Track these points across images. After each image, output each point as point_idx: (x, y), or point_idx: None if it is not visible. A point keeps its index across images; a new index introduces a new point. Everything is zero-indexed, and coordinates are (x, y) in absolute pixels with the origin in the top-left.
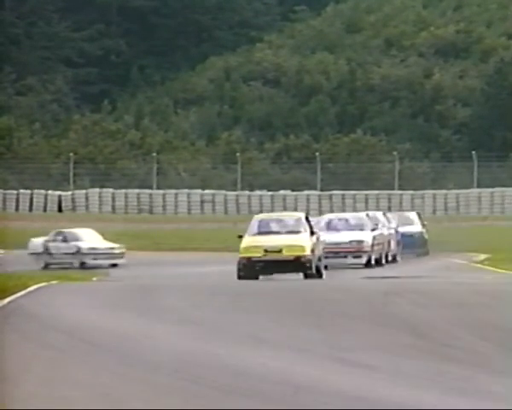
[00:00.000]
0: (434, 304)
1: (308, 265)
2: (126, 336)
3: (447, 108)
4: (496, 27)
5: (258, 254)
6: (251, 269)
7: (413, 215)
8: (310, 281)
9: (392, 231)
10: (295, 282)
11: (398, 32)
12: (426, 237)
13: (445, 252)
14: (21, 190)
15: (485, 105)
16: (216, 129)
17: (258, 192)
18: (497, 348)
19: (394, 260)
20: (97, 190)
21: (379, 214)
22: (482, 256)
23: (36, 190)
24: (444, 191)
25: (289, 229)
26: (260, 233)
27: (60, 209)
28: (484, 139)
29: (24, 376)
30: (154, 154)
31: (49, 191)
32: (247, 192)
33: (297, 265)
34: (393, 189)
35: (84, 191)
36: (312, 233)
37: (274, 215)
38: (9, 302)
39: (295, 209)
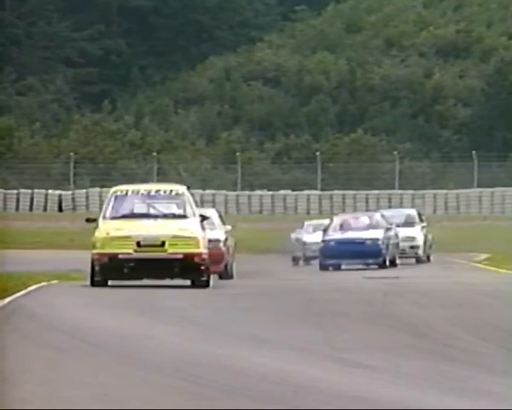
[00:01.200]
0: (434, 304)
1: (203, 268)
2: (126, 336)
3: (447, 108)
4: (496, 27)
5: (127, 250)
6: (115, 271)
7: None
8: (309, 281)
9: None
10: (295, 282)
11: (398, 31)
12: (382, 244)
13: (445, 252)
14: (22, 190)
15: (486, 105)
16: (216, 129)
17: (258, 192)
18: (498, 348)
19: None
20: (98, 189)
21: (212, 212)
22: (482, 256)
23: (36, 190)
24: (444, 191)
25: (170, 211)
26: (126, 216)
27: (60, 209)
28: (484, 139)
29: (24, 376)
30: (155, 153)
31: (50, 191)
32: (247, 192)
33: (187, 267)
34: (394, 188)
35: (84, 191)
36: (203, 219)
37: (142, 188)
38: (9, 302)
39: (295, 209)
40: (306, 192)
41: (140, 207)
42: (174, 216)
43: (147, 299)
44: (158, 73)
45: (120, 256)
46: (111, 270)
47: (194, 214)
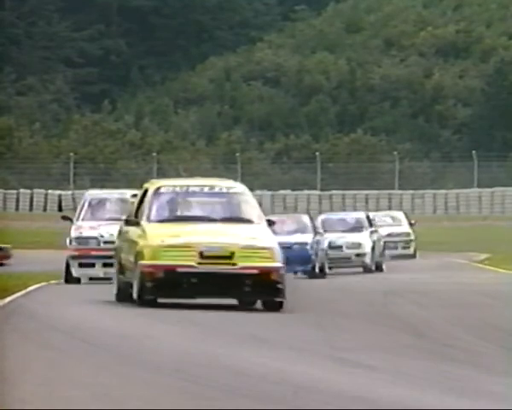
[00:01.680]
0: (434, 304)
1: (280, 286)
2: (126, 336)
3: (447, 108)
4: (496, 27)
5: (188, 262)
6: (172, 288)
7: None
8: (310, 280)
9: None
10: (295, 281)
11: (398, 31)
12: (311, 249)
13: (445, 252)
14: (21, 190)
15: (486, 105)
16: (216, 129)
17: (258, 192)
18: (498, 348)
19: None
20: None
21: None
22: (482, 256)
23: (36, 190)
24: (444, 191)
25: (232, 214)
26: (179, 219)
27: (60, 209)
28: (484, 139)
29: (24, 376)
30: (154, 154)
31: (50, 191)
32: None
33: (262, 285)
34: (394, 189)
35: (84, 191)
36: (270, 224)
37: (191, 183)
38: (9, 302)
39: (295, 209)
40: (306, 192)
41: (192, 208)
42: (238, 220)
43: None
44: (158, 73)
45: (179, 270)
46: (167, 286)
47: (260, 218)
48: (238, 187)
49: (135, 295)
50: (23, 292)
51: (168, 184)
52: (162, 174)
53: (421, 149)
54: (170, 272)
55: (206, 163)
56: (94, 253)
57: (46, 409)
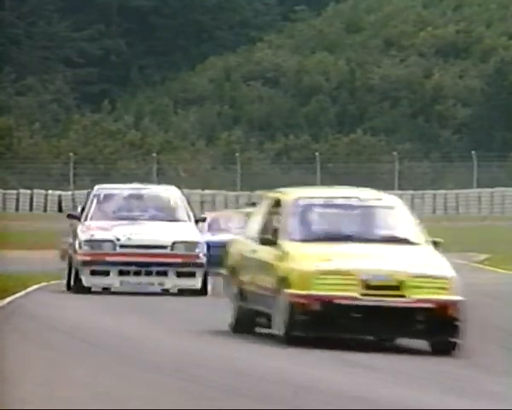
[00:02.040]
0: None
1: (457, 324)
2: (126, 337)
3: (447, 108)
4: (496, 27)
5: (350, 293)
6: (331, 323)
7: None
8: None
9: None
10: None
11: (397, 31)
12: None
13: (444, 252)
14: (21, 190)
15: (486, 105)
16: (216, 129)
17: (258, 192)
18: (498, 348)
19: None
20: None
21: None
22: (482, 256)
23: (36, 190)
24: (443, 191)
25: (389, 232)
26: (325, 238)
27: (60, 209)
28: (484, 139)
29: (24, 376)
30: (154, 154)
31: (49, 191)
32: (246, 192)
33: (437, 322)
34: (393, 189)
35: (84, 191)
36: (436, 244)
37: (335, 195)
38: (9, 302)
39: None
40: None
41: (340, 224)
42: (397, 240)
43: (147, 300)
44: (158, 73)
45: (339, 302)
46: (323, 322)
47: (421, 238)
48: (392, 199)
49: (279, 331)
50: (23, 292)
51: (307, 195)
52: (162, 174)
53: (420, 150)
54: (327, 304)
55: (206, 163)
56: (108, 258)
57: (46, 409)
